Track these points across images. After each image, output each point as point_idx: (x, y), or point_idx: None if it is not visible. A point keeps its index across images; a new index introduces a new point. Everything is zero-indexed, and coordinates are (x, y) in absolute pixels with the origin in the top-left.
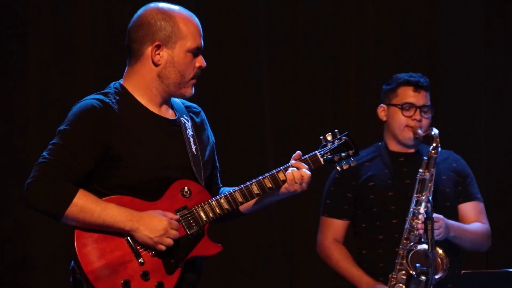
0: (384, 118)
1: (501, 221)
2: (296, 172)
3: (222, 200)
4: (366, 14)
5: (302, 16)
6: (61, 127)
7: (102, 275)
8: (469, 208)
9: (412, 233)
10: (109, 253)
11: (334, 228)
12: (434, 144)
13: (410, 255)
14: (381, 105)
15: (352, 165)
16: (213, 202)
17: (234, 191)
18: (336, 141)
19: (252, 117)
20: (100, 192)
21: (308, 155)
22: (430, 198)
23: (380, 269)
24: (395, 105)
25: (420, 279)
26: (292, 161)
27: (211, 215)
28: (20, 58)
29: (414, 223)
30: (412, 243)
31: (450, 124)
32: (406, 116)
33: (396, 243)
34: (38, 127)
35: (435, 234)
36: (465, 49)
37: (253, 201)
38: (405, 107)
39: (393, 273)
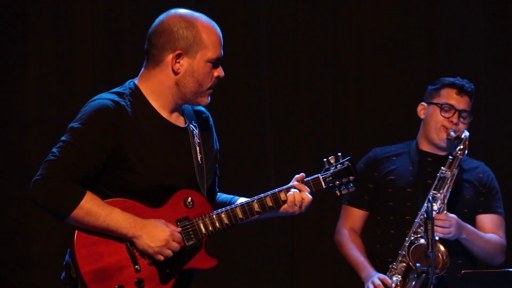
0: (422, 116)
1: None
2: (297, 194)
3: (223, 215)
4: (366, 14)
5: (302, 16)
6: (74, 124)
7: (98, 278)
8: (487, 220)
9: (421, 228)
10: (107, 256)
11: (353, 217)
12: (462, 146)
13: (412, 247)
14: (422, 103)
15: (350, 190)
16: (214, 216)
17: (236, 207)
18: (339, 165)
19: (252, 117)
20: (105, 193)
21: (311, 177)
22: (430, 197)
23: (389, 263)
24: (436, 104)
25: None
26: (295, 183)
27: (210, 228)
28: (19, 58)
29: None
30: (413, 238)
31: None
32: (444, 116)
33: (407, 236)
34: (38, 127)
35: (442, 232)
36: (466, 49)
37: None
38: (445, 107)
39: (394, 263)
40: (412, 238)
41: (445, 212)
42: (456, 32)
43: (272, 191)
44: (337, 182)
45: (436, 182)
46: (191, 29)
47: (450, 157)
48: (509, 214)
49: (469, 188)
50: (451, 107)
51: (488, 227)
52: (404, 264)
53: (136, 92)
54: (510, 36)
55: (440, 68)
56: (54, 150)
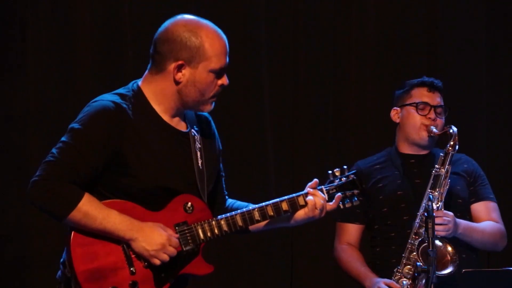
0: (398, 121)
1: (502, 220)
2: (317, 198)
3: (222, 222)
4: (366, 14)
5: (302, 16)
6: (74, 125)
7: (92, 278)
8: (480, 208)
9: (422, 229)
10: (102, 257)
11: (348, 232)
12: (452, 142)
13: (421, 247)
14: (395, 108)
15: (355, 204)
16: (213, 222)
17: (236, 214)
18: (344, 178)
19: (252, 118)
20: (104, 195)
21: (318, 187)
22: (430, 196)
23: (393, 264)
24: (410, 105)
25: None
26: (309, 189)
27: (209, 234)
28: (19, 57)
29: (424, 219)
30: (421, 239)
31: (451, 124)
32: (421, 114)
33: (408, 238)
34: (38, 127)
35: (443, 230)
36: (466, 49)
37: (263, 223)
38: (420, 106)
39: (399, 267)
40: (414, 240)
41: (442, 209)
42: (457, 32)
43: (288, 196)
44: (342, 195)
45: (431, 181)
46: (194, 39)
47: (441, 154)
48: (510, 213)
49: (459, 179)
50: (426, 104)
51: (483, 214)
52: (410, 266)
53: (139, 95)
54: (511, 36)
55: (440, 68)
56: (53, 151)
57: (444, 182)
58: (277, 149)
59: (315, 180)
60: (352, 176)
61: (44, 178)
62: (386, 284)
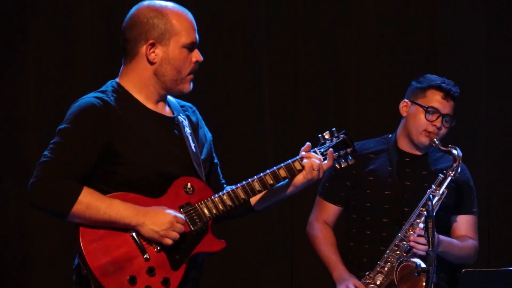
0: (404, 114)
1: (502, 219)
2: (313, 160)
3: (224, 197)
4: (366, 14)
5: (302, 16)
6: (62, 126)
7: (108, 271)
8: (462, 221)
9: (403, 242)
10: (114, 249)
11: (327, 211)
12: (455, 165)
13: (401, 265)
14: (405, 100)
15: (350, 163)
16: (216, 199)
17: (237, 188)
18: (334, 139)
19: (252, 117)
20: (103, 190)
21: (311, 150)
22: (431, 196)
23: (364, 264)
24: (420, 105)
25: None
26: (303, 153)
27: (214, 211)
28: (19, 57)
29: (408, 234)
30: (404, 254)
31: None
32: (428, 119)
33: (382, 242)
34: (38, 127)
35: (424, 248)
36: (466, 49)
37: (261, 196)
38: (430, 110)
39: (371, 272)
40: (393, 251)
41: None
42: (457, 32)
43: (284, 163)
44: (335, 155)
45: (424, 199)
46: (161, 18)
47: (440, 175)
48: (510, 212)
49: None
50: (436, 111)
51: (463, 228)
52: (382, 276)
53: (118, 89)
54: (511, 36)
55: (440, 68)
56: (46, 152)
57: (436, 203)
58: (277, 149)
59: (308, 143)
60: (342, 136)
61: (41, 178)
62: (356, 287)
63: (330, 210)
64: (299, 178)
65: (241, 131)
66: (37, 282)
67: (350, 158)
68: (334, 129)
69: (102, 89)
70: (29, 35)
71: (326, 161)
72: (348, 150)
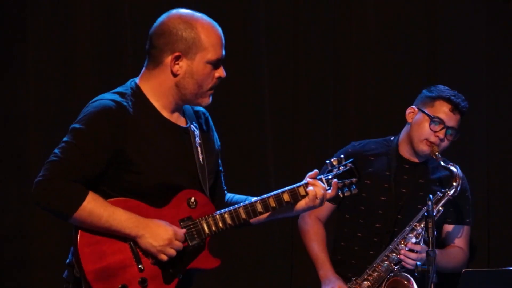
0: (410, 120)
1: (502, 219)
2: (318, 189)
3: (226, 215)
4: (366, 14)
5: (302, 16)
6: (76, 125)
7: (101, 277)
8: (454, 231)
9: (393, 254)
10: (110, 255)
11: (320, 208)
12: (455, 184)
13: (391, 278)
14: (413, 106)
15: (353, 193)
16: (217, 216)
17: (239, 207)
18: (342, 167)
19: (252, 118)
20: (108, 194)
21: (317, 177)
22: (431, 196)
23: (352, 266)
24: (427, 114)
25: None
26: (309, 179)
27: (213, 228)
28: (19, 57)
29: (400, 247)
30: (393, 266)
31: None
32: (432, 129)
33: (372, 246)
34: (38, 127)
35: (415, 259)
36: (466, 49)
37: (265, 215)
38: (435, 121)
39: (358, 278)
40: (383, 261)
41: (421, 243)
42: (457, 32)
43: (289, 187)
44: (340, 184)
45: (420, 215)
46: (190, 31)
47: (439, 193)
48: (510, 212)
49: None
50: (441, 122)
51: (454, 238)
52: (368, 283)
53: (137, 92)
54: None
55: (440, 68)
56: (56, 151)
57: (431, 221)
58: (277, 149)
59: (315, 170)
60: (349, 164)
61: (48, 177)
62: None
63: (324, 207)
64: (301, 204)
65: (241, 131)
66: (37, 282)
67: (354, 187)
68: (342, 156)
69: (121, 89)
70: (29, 35)
71: (329, 190)
72: (353, 180)
